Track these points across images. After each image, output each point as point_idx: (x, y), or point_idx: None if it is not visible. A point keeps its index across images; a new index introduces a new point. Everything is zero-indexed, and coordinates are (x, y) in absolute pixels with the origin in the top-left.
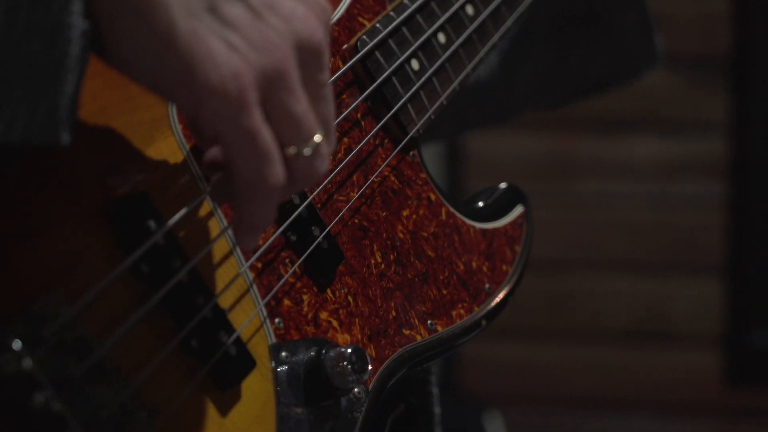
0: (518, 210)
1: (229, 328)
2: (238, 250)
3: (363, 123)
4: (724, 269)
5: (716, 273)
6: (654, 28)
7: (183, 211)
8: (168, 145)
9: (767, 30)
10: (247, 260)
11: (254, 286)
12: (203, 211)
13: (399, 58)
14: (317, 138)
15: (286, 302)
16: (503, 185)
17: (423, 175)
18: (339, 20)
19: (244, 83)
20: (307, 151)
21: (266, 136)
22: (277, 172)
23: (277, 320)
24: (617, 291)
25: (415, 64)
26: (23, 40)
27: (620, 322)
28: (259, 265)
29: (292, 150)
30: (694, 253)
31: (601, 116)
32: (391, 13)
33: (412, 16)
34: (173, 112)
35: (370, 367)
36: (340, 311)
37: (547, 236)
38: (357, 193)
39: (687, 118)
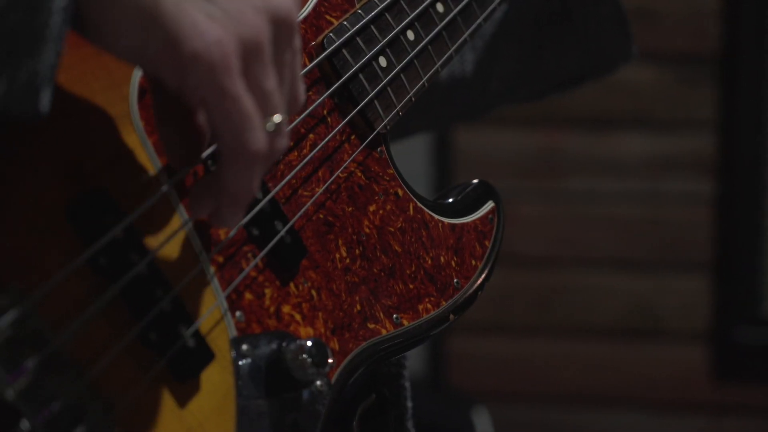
0: (489, 205)
1: (189, 321)
2: (198, 243)
3: (329, 119)
4: (712, 265)
5: (704, 269)
6: (628, 21)
7: (143, 206)
8: (130, 141)
9: (756, 28)
10: (208, 254)
11: (215, 280)
12: (164, 206)
13: (366, 55)
14: (277, 118)
15: (248, 296)
16: (474, 181)
17: (390, 171)
18: (306, 18)
19: (227, 50)
20: (269, 126)
21: (249, 101)
22: (260, 137)
23: (238, 313)
24: (605, 287)
25: (382, 61)
26: (4, 13)
27: (608, 318)
28: (221, 259)
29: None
30: (683, 249)
31: (590, 113)
32: (359, 11)
33: (380, 14)
34: (134, 107)
35: (330, 360)
36: (303, 305)
37: (535, 233)
38: (322, 188)
39: (675, 115)
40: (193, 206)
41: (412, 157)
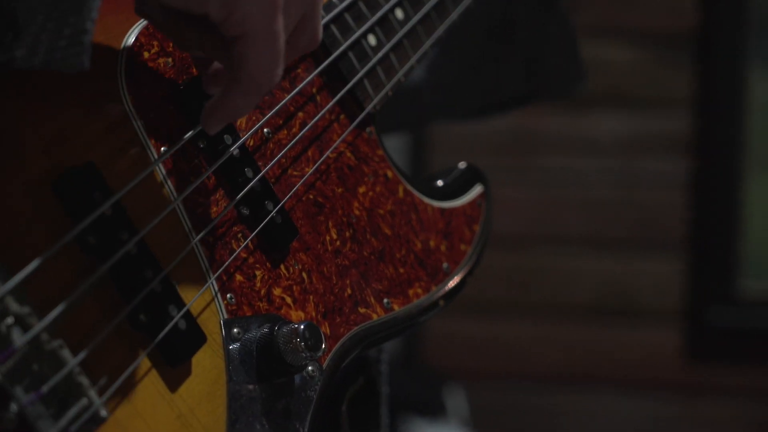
0: (477, 189)
1: (179, 303)
2: (189, 223)
3: (318, 98)
4: (686, 246)
5: (678, 250)
6: (578, 44)
7: (132, 183)
8: (117, 116)
9: (732, 8)
10: (198, 234)
11: (205, 260)
12: (153, 183)
13: (355, 32)
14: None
15: (238, 277)
16: (462, 164)
17: (380, 152)
18: None
19: None
20: None
21: (284, 40)
22: (280, 73)
23: (229, 295)
24: (580, 267)
25: (372, 40)
26: None
27: (582, 299)
28: (211, 239)
29: None
30: (657, 229)
31: None
32: None
33: None
34: (123, 82)
35: (323, 345)
36: (294, 288)
37: (510, 212)
38: (312, 168)
39: (651, 95)
40: (205, 125)
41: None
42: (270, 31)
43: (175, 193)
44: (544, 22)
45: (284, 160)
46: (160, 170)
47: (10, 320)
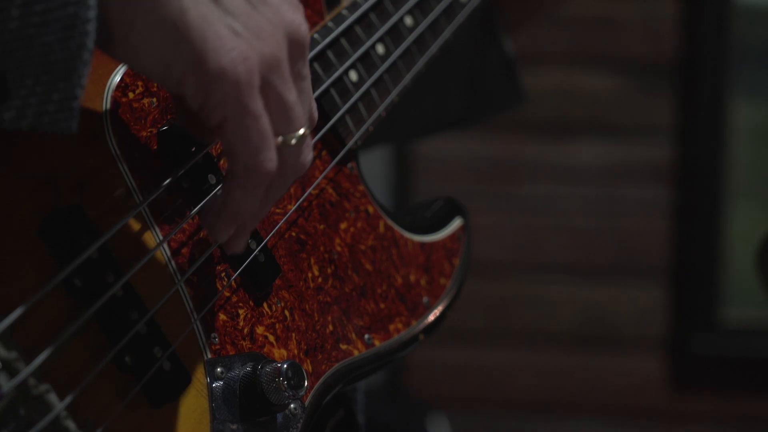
0: (457, 223)
1: (164, 343)
2: (173, 264)
3: None
4: (669, 274)
5: (661, 277)
6: (515, 66)
7: (117, 225)
8: (103, 158)
9: (714, 35)
10: (182, 274)
11: (190, 301)
12: (139, 225)
13: (338, 69)
14: (303, 130)
15: (222, 317)
16: (442, 198)
17: (361, 188)
18: None
19: (252, 66)
20: (293, 141)
21: (267, 120)
22: (273, 157)
23: (212, 335)
24: (562, 295)
25: (353, 76)
26: (38, 32)
27: (565, 326)
28: (195, 279)
29: (279, 139)
30: (640, 257)
31: (548, 120)
32: (330, 24)
33: (350, 27)
34: (108, 123)
35: (306, 383)
36: (277, 326)
37: (492, 240)
38: (294, 205)
39: (633, 122)
40: (205, 221)
41: (371, 160)
42: (248, 113)
43: (160, 235)
44: (483, 47)
45: None
46: (146, 212)
47: None
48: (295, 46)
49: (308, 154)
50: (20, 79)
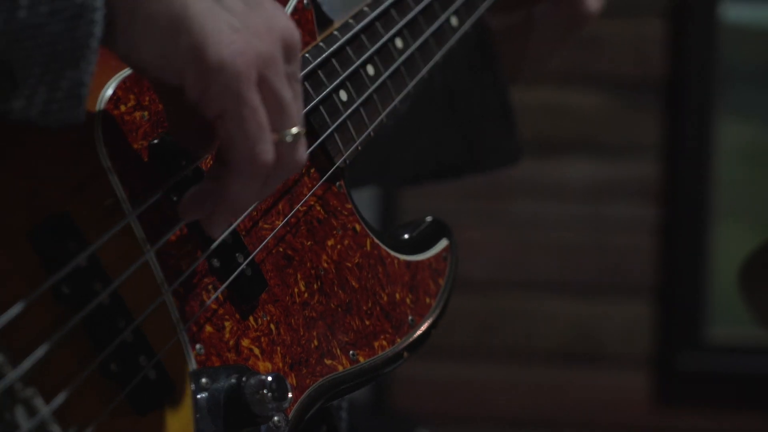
0: (443, 243)
1: (150, 353)
2: (161, 274)
3: None
4: (655, 291)
5: (647, 295)
6: (514, 121)
7: (106, 235)
8: (94, 169)
9: (701, 54)
10: (169, 285)
11: (176, 311)
12: (128, 236)
13: (328, 88)
14: (295, 129)
15: (208, 328)
16: (429, 218)
17: (349, 206)
18: None
19: (249, 61)
20: (288, 138)
21: (264, 113)
22: (270, 149)
23: (198, 346)
24: (548, 311)
25: (343, 95)
26: (46, 21)
27: (551, 343)
28: (182, 290)
29: (275, 135)
30: (626, 275)
31: (535, 137)
32: (321, 44)
33: (342, 47)
34: (100, 135)
35: (290, 395)
36: (262, 339)
37: (479, 256)
38: (282, 221)
39: (620, 140)
40: (187, 208)
41: None
42: (246, 104)
43: (148, 245)
44: (485, 95)
45: (255, 213)
46: (135, 222)
47: None
48: (288, 49)
49: (303, 152)
50: (29, 68)
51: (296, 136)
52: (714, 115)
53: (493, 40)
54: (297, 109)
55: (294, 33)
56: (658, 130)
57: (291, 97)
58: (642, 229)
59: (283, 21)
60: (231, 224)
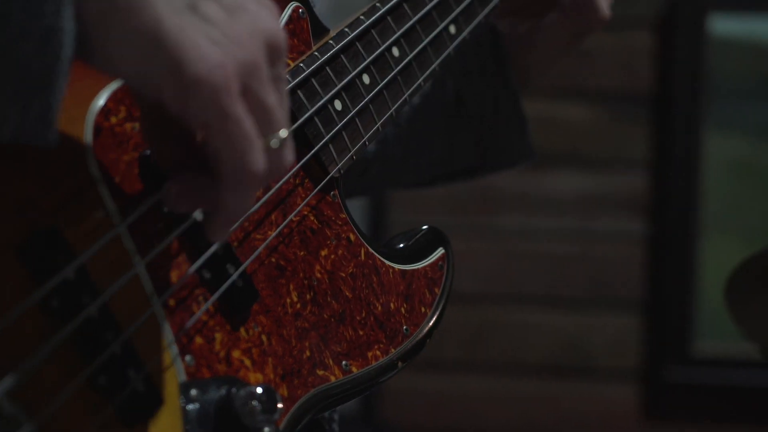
0: (439, 252)
1: (139, 365)
2: (150, 285)
3: None
4: (643, 304)
5: (635, 308)
6: (527, 122)
7: (95, 246)
8: (84, 181)
9: (689, 66)
10: (160, 297)
11: (166, 323)
12: (117, 248)
13: (322, 98)
14: (283, 133)
15: (198, 340)
16: (425, 227)
17: (343, 216)
18: None
19: (229, 73)
20: (274, 143)
21: (249, 122)
22: (260, 158)
23: (188, 358)
24: (537, 324)
25: (338, 105)
26: (15, 44)
27: (539, 356)
28: (172, 302)
29: (262, 142)
30: (614, 287)
31: None
32: (316, 53)
33: (336, 56)
34: (89, 146)
35: (280, 406)
36: (253, 350)
37: (468, 269)
38: (275, 231)
39: (608, 153)
40: (174, 200)
41: None
42: (229, 117)
43: (138, 257)
44: (497, 99)
45: (247, 224)
46: (124, 234)
47: None
48: (272, 51)
49: (290, 156)
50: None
51: (282, 140)
52: (702, 128)
53: (506, 45)
54: (282, 112)
55: (278, 33)
56: (646, 143)
57: (276, 101)
58: (630, 241)
59: (266, 23)
60: (232, 228)
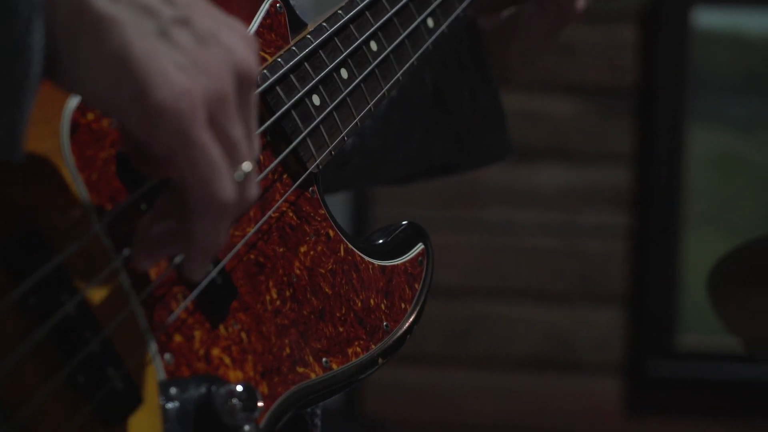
0: (419, 248)
1: (118, 363)
2: (129, 283)
3: (261, 157)
4: (627, 299)
5: (619, 302)
6: (506, 117)
7: (73, 245)
8: (61, 177)
9: (673, 61)
10: (138, 294)
11: (145, 321)
12: (95, 245)
13: (300, 92)
14: (246, 166)
15: (177, 338)
16: (404, 223)
17: (322, 212)
18: None
19: (195, 101)
20: (238, 176)
21: (215, 151)
22: (228, 187)
23: (167, 356)
24: (521, 318)
25: (316, 99)
26: None
27: (524, 350)
28: (151, 300)
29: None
30: (598, 282)
31: None
32: (294, 48)
33: (314, 51)
34: (66, 143)
35: (260, 404)
36: (233, 348)
37: (452, 263)
38: (253, 228)
39: (593, 148)
40: (140, 257)
41: None
42: (194, 145)
43: (116, 254)
44: (475, 94)
45: None
46: (102, 233)
47: None
48: (242, 82)
49: (253, 190)
50: None
51: (247, 174)
52: (686, 122)
53: (484, 40)
54: (248, 145)
55: (250, 63)
56: (630, 137)
57: (241, 134)
58: (615, 236)
59: (237, 52)
60: (209, 265)
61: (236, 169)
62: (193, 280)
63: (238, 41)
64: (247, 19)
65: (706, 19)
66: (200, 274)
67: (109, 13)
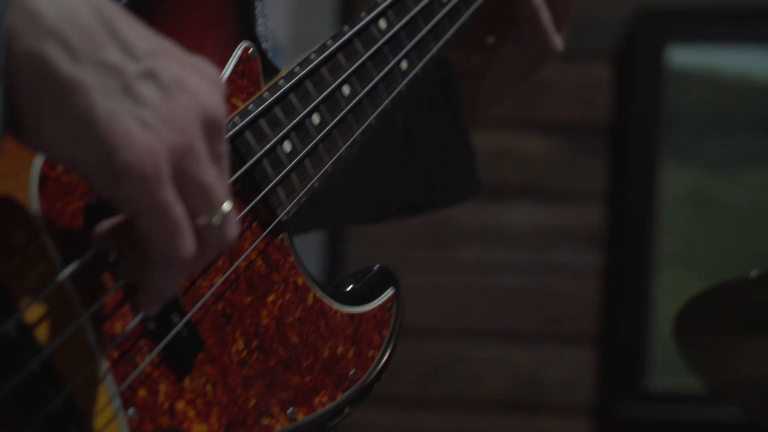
0: (388, 293)
1: (80, 420)
2: (94, 337)
3: None
4: (598, 339)
5: (590, 342)
6: (475, 156)
7: (36, 299)
8: (28, 232)
9: (647, 100)
10: (103, 349)
11: (109, 376)
12: (60, 299)
13: (271, 140)
14: (226, 206)
15: (142, 392)
16: (375, 267)
17: (291, 259)
18: None
19: (159, 160)
20: (216, 220)
21: (178, 210)
22: (189, 244)
23: (131, 411)
24: (491, 359)
25: (287, 146)
26: None
27: (494, 391)
28: (116, 354)
29: (203, 220)
30: (569, 322)
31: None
32: (265, 94)
33: (285, 95)
34: (35, 197)
35: None
36: (198, 400)
37: (422, 303)
38: (221, 278)
39: (565, 186)
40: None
41: None
42: (156, 205)
43: (82, 309)
44: (446, 133)
45: (194, 272)
46: (68, 285)
47: None
48: (210, 128)
49: (233, 230)
50: None
51: (225, 215)
52: (659, 160)
53: (456, 78)
54: (223, 188)
55: (217, 109)
56: (603, 176)
57: (215, 178)
58: (586, 275)
59: (204, 99)
60: (161, 305)
61: (214, 213)
62: (145, 314)
63: (202, 84)
64: (220, 65)
65: (681, 57)
66: (151, 312)
67: (73, 78)
